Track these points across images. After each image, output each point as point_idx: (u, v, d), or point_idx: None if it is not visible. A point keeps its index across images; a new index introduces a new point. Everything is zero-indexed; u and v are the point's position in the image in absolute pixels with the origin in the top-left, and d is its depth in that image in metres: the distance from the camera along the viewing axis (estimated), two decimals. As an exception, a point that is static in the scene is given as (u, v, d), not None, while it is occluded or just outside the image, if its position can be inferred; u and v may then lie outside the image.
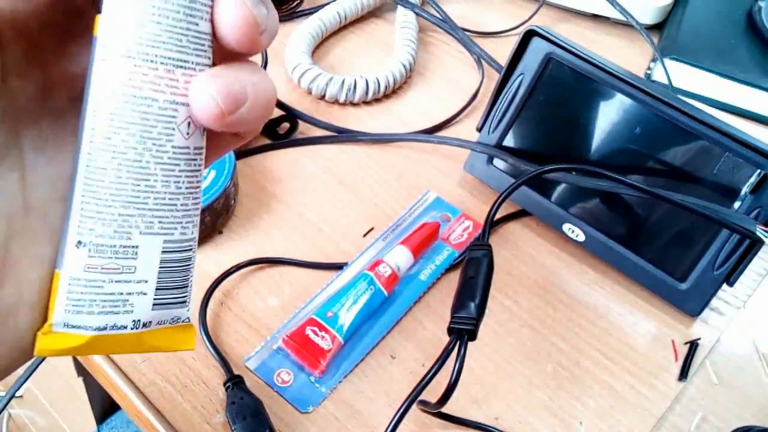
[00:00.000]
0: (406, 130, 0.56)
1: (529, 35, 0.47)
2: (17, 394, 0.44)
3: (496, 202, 0.39)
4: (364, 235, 0.48)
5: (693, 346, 0.44)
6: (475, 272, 0.36)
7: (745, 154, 0.42)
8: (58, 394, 0.97)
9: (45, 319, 0.21)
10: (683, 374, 0.43)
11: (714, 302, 0.47)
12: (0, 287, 0.20)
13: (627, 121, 0.46)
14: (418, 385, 0.33)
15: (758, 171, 0.42)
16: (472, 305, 0.35)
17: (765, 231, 0.38)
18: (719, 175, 0.43)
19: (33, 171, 0.21)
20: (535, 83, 0.48)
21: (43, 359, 0.40)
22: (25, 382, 0.42)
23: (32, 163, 0.21)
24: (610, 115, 0.46)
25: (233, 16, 0.20)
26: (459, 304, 0.35)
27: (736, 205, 0.43)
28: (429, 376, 0.32)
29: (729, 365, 0.44)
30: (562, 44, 0.46)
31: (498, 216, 0.50)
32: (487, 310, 0.44)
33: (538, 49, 0.47)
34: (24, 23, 0.20)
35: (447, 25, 0.65)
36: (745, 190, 0.42)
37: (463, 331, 0.34)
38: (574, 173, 0.45)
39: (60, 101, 0.22)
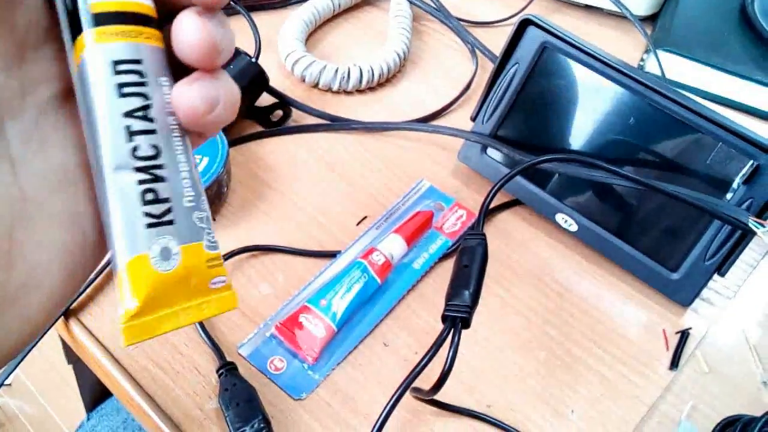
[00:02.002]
0: (399, 119, 0.56)
1: (525, 24, 0.47)
2: (5, 383, 0.44)
3: (490, 191, 0.39)
4: (358, 224, 0.48)
5: (684, 335, 0.44)
6: (469, 261, 0.36)
7: (738, 145, 0.42)
8: (47, 383, 0.96)
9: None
10: (674, 363, 0.43)
11: (705, 292, 0.47)
12: (10, 270, 0.21)
13: (621, 111, 0.46)
14: (411, 372, 0.33)
15: (751, 162, 0.42)
16: (467, 293, 0.35)
17: (756, 222, 0.39)
18: (712, 165, 0.43)
19: (22, 163, 0.22)
20: (529, 72, 0.48)
21: (33, 347, 0.40)
22: (14, 370, 0.42)
23: (20, 155, 0.22)
24: (604, 105, 0.46)
25: (193, 38, 0.22)
26: (453, 292, 0.35)
27: (729, 195, 0.43)
28: (423, 362, 0.32)
29: (719, 355, 0.44)
30: (558, 33, 0.46)
31: (492, 205, 0.50)
32: (480, 299, 0.44)
33: (533, 38, 0.47)
34: (11, 20, 0.21)
35: (441, 14, 0.65)
36: (737, 180, 0.43)
37: (457, 318, 0.34)
38: (568, 163, 0.45)
39: (40, 98, 0.23)
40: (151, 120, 0.22)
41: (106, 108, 0.22)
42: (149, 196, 0.22)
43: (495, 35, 0.65)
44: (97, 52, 0.22)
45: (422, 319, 0.44)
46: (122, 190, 0.22)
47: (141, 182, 0.22)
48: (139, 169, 0.22)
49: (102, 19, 0.22)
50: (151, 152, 0.22)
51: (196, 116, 0.23)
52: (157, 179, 0.23)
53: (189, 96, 0.23)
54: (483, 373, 0.42)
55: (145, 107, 0.22)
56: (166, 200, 0.23)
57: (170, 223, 0.23)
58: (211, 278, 0.24)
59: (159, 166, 0.23)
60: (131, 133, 0.22)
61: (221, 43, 0.22)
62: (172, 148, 0.23)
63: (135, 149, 0.22)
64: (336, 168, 0.52)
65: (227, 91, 0.24)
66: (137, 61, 0.22)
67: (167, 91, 0.23)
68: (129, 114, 0.22)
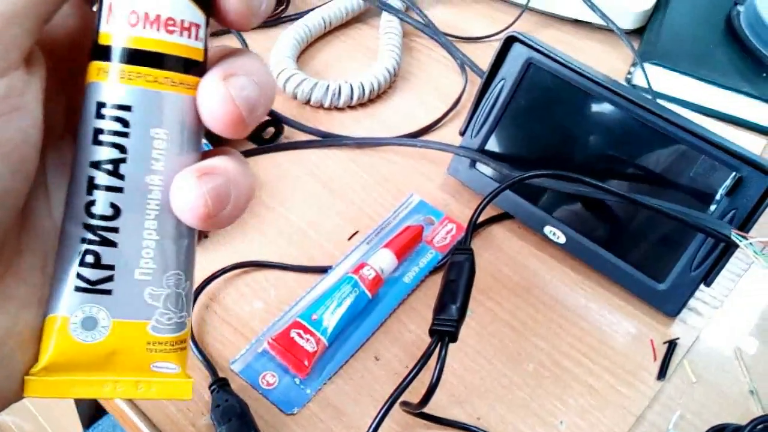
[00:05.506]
0: (390, 134, 0.57)
1: (510, 41, 0.48)
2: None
3: (478, 207, 0.39)
4: (349, 239, 0.49)
5: (671, 345, 0.45)
6: (456, 275, 0.37)
7: (721, 157, 0.43)
8: (44, 400, 0.96)
9: (36, 359, 0.21)
10: (662, 373, 0.44)
11: (692, 302, 0.47)
12: None
13: (606, 125, 0.47)
14: (399, 385, 0.33)
15: (733, 174, 0.43)
16: (454, 308, 0.35)
17: (739, 235, 0.39)
18: (696, 178, 0.44)
19: (57, 191, 0.22)
20: (515, 88, 0.48)
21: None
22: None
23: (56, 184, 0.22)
24: (589, 119, 0.47)
25: (218, 110, 0.21)
26: (440, 307, 0.36)
27: (713, 207, 0.44)
28: (410, 377, 0.33)
29: (707, 364, 0.45)
30: (542, 50, 0.47)
31: (481, 219, 0.51)
32: (470, 312, 0.45)
33: (518, 55, 0.48)
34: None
35: (430, 30, 0.66)
36: (720, 192, 0.43)
37: (444, 332, 0.35)
38: (553, 179, 0.46)
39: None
40: (120, 176, 0.20)
41: (80, 151, 0.21)
42: (89, 259, 0.21)
43: (484, 50, 0.66)
44: (91, 90, 0.20)
45: (413, 332, 0.44)
46: (65, 243, 0.21)
47: (84, 240, 0.20)
48: (87, 227, 0.20)
49: (112, 52, 0.20)
50: (108, 212, 0.20)
51: (197, 219, 0.21)
52: (105, 242, 0.20)
53: (191, 196, 0.20)
54: (473, 385, 0.42)
55: (118, 161, 0.20)
56: (108, 267, 0.21)
57: (106, 292, 0.21)
58: (151, 361, 0.21)
59: (113, 229, 0.20)
60: (91, 186, 0.20)
61: (251, 110, 0.21)
62: (141, 213, 0.21)
63: (90, 204, 0.20)
64: (328, 184, 0.53)
65: (240, 184, 0.21)
66: (126, 108, 0.20)
67: (161, 145, 0.20)
68: (96, 165, 0.20)
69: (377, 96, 0.61)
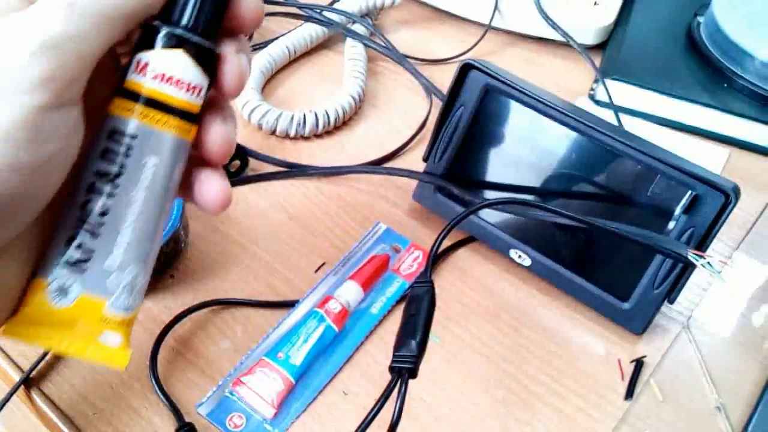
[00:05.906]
0: (358, 161, 0.57)
1: (466, 68, 0.48)
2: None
3: (436, 240, 0.40)
4: (316, 271, 0.49)
5: (638, 364, 0.45)
6: (416, 309, 0.37)
7: (676, 177, 0.43)
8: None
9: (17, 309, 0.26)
10: (629, 393, 0.44)
11: (658, 319, 0.48)
12: None
13: (564, 148, 0.47)
14: (359, 426, 0.33)
15: (689, 192, 0.43)
16: (413, 343, 0.36)
17: (695, 254, 0.40)
18: (653, 197, 0.45)
19: None
20: (475, 114, 0.49)
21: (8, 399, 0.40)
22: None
23: None
24: (547, 142, 0.47)
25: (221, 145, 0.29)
26: (400, 342, 0.36)
27: (671, 224, 0.44)
28: (369, 417, 0.33)
29: (674, 381, 0.45)
30: (498, 76, 0.47)
31: (446, 244, 0.51)
32: (437, 339, 0.45)
33: (475, 81, 0.48)
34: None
35: (394, 54, 0.67)
36: (678, 210, 0.44)
37: (403, 369, 0.35)
38: (511, 205, 0.46)
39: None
40: (115, 186, 0.26)
41: (88, 161, 0.26)
42: (76, 242, 0.26)
43: (451, 71, 0.66)
44: (111, 118, 0.26)
45: (382, 364, 0.44)
46: (62, 225, 0.27)
47: (77, 227, 0.26)
48: (81, 218, 0.26)
49: (133, 95, 0.26)
50: (99, 210, 0.26)
51: (223, 207, 0.30)
52: (91, 233, 0.26)
53: (225, 191, 0.30)
54: (443, 415, 0.42)
55: (116, 174, 0.26)
56: (89, 251, 0.26)
57: (82, 271, 0.26)
58: (101, 332, 0.27)
59: (99, 224, 0.26)
60: (89, 189, 0.26)
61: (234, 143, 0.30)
62: (123, 218, 0.27)
63: (87, 202, 0.26)
64: (294, 215, 0.53)
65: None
66: (132, 137, 0.26)
67: (150, 170, 0.26)
68: (98, 173, 0.26)
69: (343, 123, 0.61)
